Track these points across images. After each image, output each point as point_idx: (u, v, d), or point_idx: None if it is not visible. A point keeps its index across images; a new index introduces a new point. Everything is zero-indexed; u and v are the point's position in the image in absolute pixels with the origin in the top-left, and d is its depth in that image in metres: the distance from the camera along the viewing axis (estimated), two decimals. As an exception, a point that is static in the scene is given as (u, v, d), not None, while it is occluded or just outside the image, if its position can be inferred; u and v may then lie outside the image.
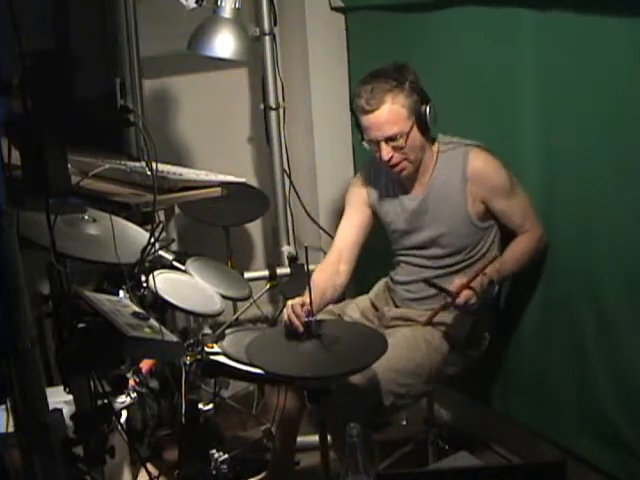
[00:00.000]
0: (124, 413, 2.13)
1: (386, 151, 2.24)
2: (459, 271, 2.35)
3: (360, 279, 3.18)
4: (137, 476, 2.27)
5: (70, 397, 1.67)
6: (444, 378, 2.41)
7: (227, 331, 2.30)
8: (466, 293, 2.18)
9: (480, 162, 2.29)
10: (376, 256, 2.58)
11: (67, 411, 1.58)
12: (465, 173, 2.29)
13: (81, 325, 1.60)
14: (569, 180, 2.22)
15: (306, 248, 1.91)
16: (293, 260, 3.04)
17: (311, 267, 1.99)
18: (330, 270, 2.43)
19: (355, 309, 2.54)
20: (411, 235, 2.43)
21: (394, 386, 2.24)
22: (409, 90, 2.22)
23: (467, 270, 2.34)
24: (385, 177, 2.44)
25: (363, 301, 2.59)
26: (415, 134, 2.25)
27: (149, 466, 1.97)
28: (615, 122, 2.04)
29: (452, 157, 2.32)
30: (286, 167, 3.11)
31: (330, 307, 2.50)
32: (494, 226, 2.37)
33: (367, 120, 2.24)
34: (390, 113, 2.21)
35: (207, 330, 2.39)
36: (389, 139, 2.23)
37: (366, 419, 2.11)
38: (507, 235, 2.38)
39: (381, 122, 2.22)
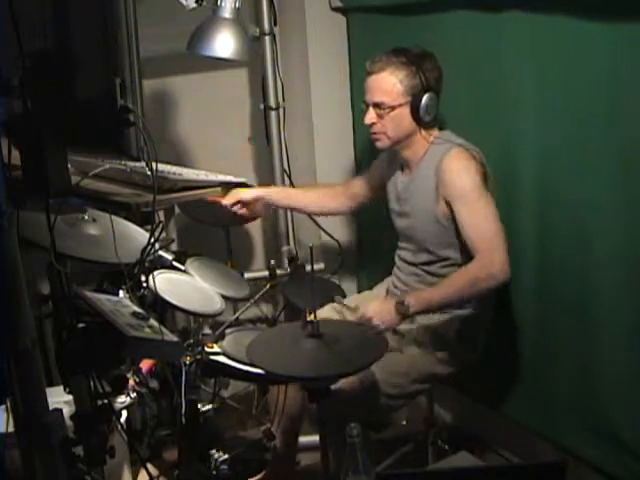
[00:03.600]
0: (124, 413, 2.13)
1: (369, 116, 2.30)
2: (433, 274, 2.35)
3: (366, 277, 3.20)
4: (137, 476, 2.28)
5: (70, 397, 1.67)
6: (440, 378, 2.39)
7: (227, 331, 2.30)
8: (373, 317, 2.14)
9: (451, 161, 2.26)
10: (383, 254, 2.58)
11: (67, 411, 1.58)
12: (438, 170, 2.27)
13: (81, 325, 1.60)
14: (566, 181, 2.22)
15: (311, 248, 1.91)
16: (293, 260, 3.04)
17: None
18: (332, 189, 2.75)
19: (357, 303, 2.56)
20: (399, 219, 2.46)
21: (386, 387, 2.25)
22: (414, 72, 2.24)
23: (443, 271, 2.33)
24: (394, 156, 2.47)
25: (365, 296, 2.61)
26: (403, 114, 2.26)
27: (149, 466, 1.97)
28: (612, 123, 2.03)
29: (436, 153, 2.31)
30: (286, 167, 3.11)
31: (333, 304, 2.51)
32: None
33: (366, 81, 2.31)
34: (384, 81, 2.25)
35: (207, 330, 2.39)
36: (375, 105, 2.28)
37: (362, 419, 2.11)
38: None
39: (374, 86, 2.28)
